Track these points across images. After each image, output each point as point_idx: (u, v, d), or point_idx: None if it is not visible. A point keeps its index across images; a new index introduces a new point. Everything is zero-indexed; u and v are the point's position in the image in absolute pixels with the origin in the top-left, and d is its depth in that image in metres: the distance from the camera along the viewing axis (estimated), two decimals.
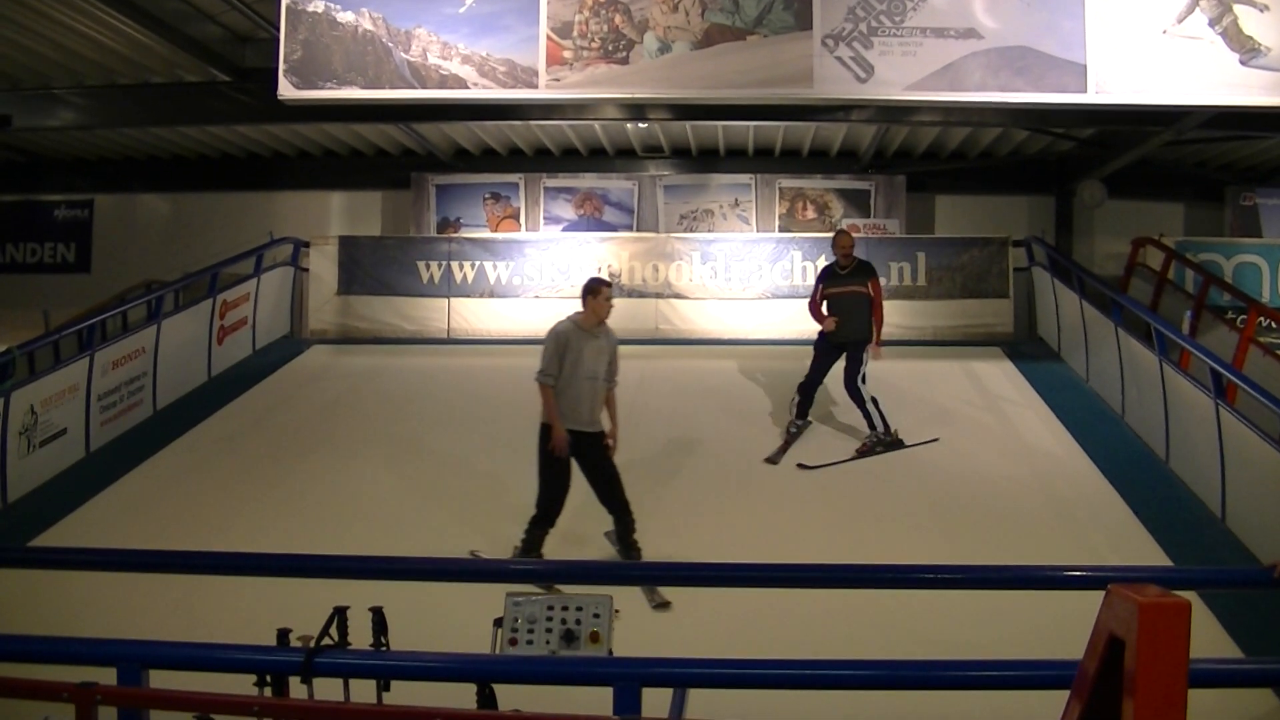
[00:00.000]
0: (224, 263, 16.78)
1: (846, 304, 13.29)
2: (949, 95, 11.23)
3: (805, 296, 16.98)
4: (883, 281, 14.04)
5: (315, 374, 16.24)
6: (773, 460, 12.79)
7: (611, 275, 17.50)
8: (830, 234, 17.71)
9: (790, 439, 13.18)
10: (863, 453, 12.98)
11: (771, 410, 14.21)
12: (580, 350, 10.12)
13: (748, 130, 17.88)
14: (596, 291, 10.30)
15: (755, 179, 19.32)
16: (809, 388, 13.41)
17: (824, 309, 13.44)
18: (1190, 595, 2.80)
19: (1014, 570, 7.87)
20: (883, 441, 13.08)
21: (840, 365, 13.31)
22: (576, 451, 10.09)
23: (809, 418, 13.46)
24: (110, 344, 13.72)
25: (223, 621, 9.04)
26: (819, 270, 13.98)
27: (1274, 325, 15.77)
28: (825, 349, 13.40)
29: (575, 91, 11.52)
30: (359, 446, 13.22)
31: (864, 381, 13.17)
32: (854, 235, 14.18)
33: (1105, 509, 11.55)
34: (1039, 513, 11.47)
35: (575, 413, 10.08)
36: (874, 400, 13.14)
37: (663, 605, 9.23)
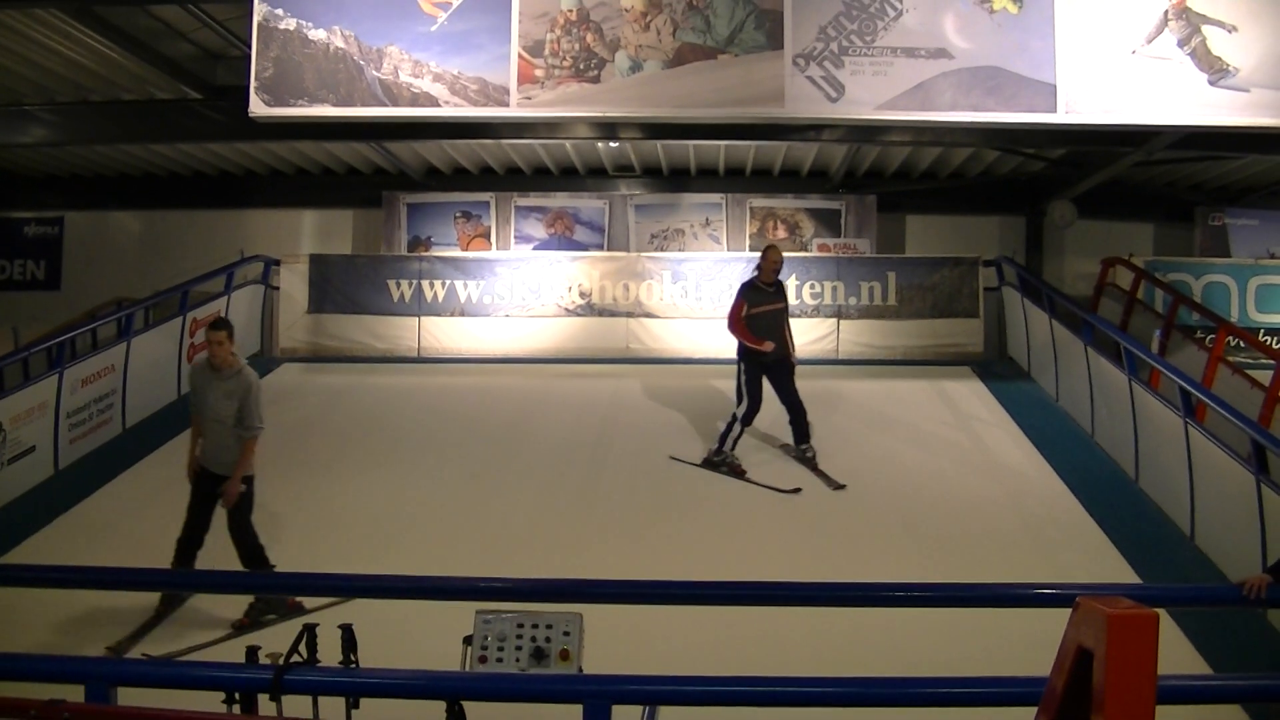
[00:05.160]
0: (194, 280, 16.71)
1: (773, 321, 13.16)
2: (920, 115, 11.24)
3: None
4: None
5: (285, 392, 16.17)
6: (776, 486, 12.59)
7: (582, 294, 17.55)
8: (802, 254, 17.81)
9: (741, 473, 12.91)
10: (814, 463, 13.00)
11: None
12: (203, 390, 9.94)
13: (719, 150, 17.93)
14: (208, 332, 10.04)
15: (726, 198, 19.37)
16: (750, 418, 13.15)
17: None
18: (1159, 612, 2.80)
19: (984, 588, 7.90)
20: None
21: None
22: (205, 490, 9.85)
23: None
24: (80, 361, 13.68)
25: (191, 639, 9.02)
26: (741, 286, 13.50)
27: (1242, 345, 15.87)
28: (757, 372, 13.11)
29: (547, 110, 11.49)
30: (329, 464, 13.19)
31: None
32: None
33: (1075, 528, 11.59)
34: (1009, 532, 11.49)
35: (205, 452, 9.88)
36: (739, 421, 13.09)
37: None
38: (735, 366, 13.11)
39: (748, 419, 13.09)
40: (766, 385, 13.15)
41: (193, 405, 10.09)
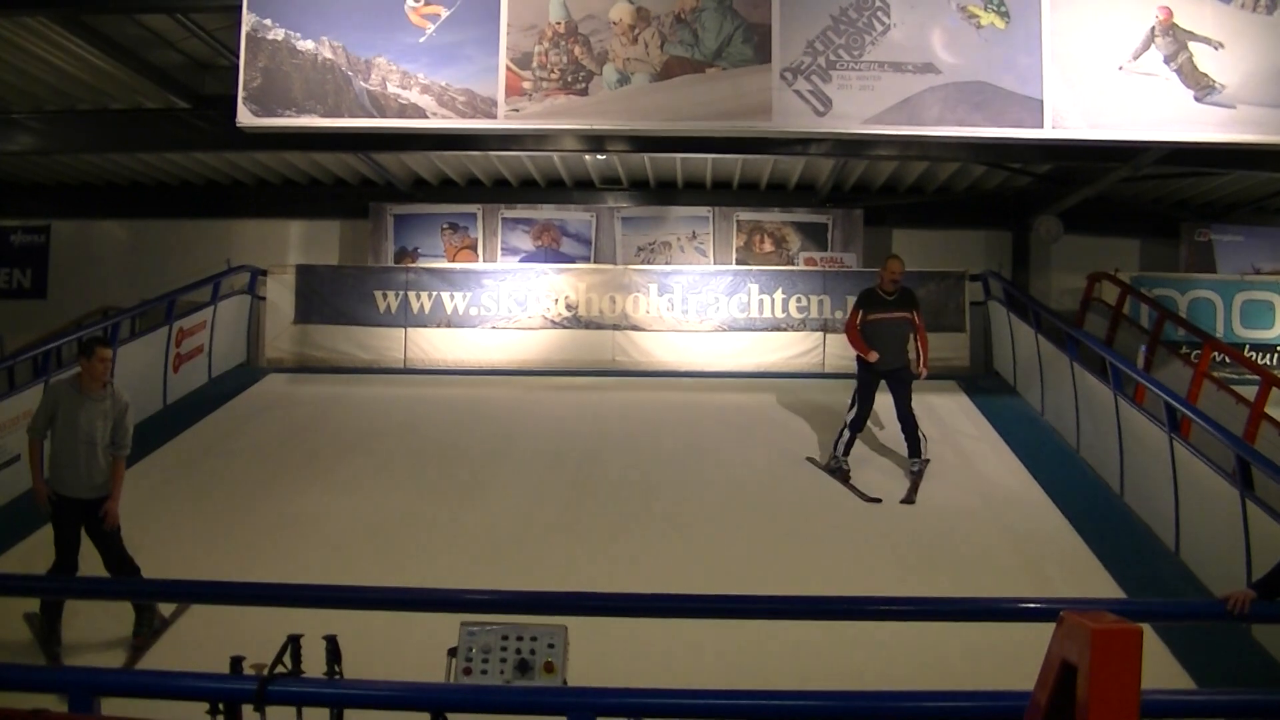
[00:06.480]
0: (181, 290, 16.66)
1: (890, 330, 13.29)
2: (907, 129, 11.22)
3: (762, 329, 17.10)
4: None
5: (271, 403, 16.15)
6: (873, 499, 12.73)
7: (569, 306, 17.54)
8: (789, 267, 17.81)
9: (847, 478, 13.09)
10: (915, 478, 13.11)
11: (727, 441, 14.20)
12: (72, 412, 9.66)
13: (706, 163, 17.90)
14: (90, 352, 9.81)
15: (713, 211, 19.35)
16: (860, 424, 13.37)
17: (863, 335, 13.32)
18: (1144, 627, 2.80)
19: (968, 602, 7.92)
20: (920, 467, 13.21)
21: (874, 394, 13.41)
22: (72, 517, 9.57)
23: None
24: (65, 371, 13.62)
25: (175, 649, 8.98)
26: (860, 293, 13.80)
27: (1227, 360, 15.90)
28: (870, 380, 13.36)
29: (534, 122, 11.47)
30: (314, 475, 13.15)
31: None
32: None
33: (1060, 542, 11.59)
34: (994, 546, 11.49)
35: (73, 477, 9.58)
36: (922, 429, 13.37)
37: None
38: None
39: (857, 425, 13.34)
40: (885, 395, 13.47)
41: (39, 428, 9.76)
